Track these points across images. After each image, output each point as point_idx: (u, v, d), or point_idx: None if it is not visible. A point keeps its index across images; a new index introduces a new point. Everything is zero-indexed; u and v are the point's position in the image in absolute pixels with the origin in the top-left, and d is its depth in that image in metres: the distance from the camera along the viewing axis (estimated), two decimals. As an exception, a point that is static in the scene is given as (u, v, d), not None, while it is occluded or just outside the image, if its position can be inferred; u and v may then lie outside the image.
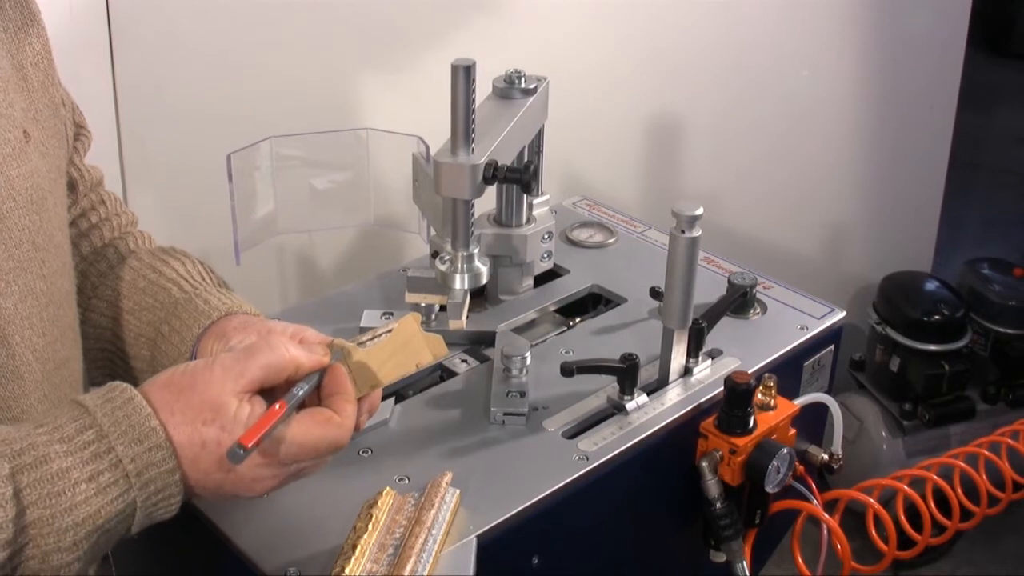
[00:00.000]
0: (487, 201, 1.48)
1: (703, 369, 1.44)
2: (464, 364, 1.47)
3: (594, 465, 1.28)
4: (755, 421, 1.35)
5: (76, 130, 1.28)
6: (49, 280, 1.12)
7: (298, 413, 1.01)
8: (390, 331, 1.08)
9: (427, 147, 1.55)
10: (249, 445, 0.95)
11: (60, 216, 1.18)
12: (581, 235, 1.77)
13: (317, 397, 1.05)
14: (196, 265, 1.30)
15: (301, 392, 1.01)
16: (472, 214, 1.35)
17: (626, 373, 1.36)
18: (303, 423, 1.00)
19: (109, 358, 1.30)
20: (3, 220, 1.06)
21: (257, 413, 0.98)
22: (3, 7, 1.13)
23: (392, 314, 1.52)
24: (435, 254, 1.50)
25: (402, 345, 1.07)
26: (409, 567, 1.08)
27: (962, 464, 1.79)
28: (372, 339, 1.08)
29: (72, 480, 0.92)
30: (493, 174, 1.31)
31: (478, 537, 1.17)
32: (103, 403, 0.96)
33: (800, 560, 1.53)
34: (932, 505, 1.68)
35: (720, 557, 1.42)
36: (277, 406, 0.98)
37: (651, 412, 1.37)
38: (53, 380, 1.12)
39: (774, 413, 1.38)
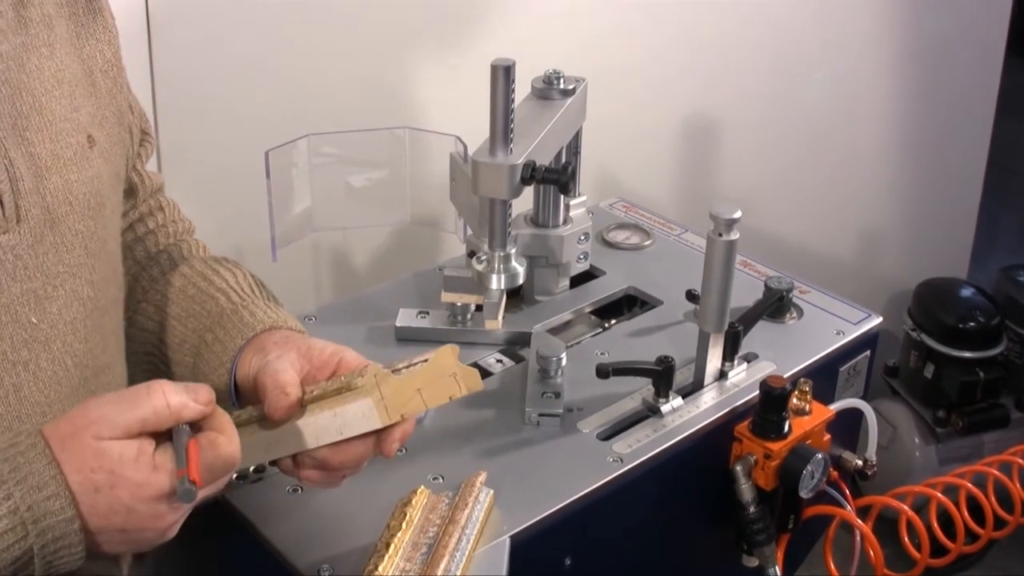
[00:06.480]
0: (524, 201, 1.48)
1: (738, 373, 1.44)
2: (499, 364, 1.47)
3: (628, 467, 1.28)
4: (790, 426, 1.34)
5: (141, 136, 1.29)
6: (97, 287, 1.12)
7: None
8: (426, 360, 1.07)
9: (465, 146, 1.55)
10: (200, 482, 0.92)
11: (115, 223, 1.19)
12: (617, 237, 1.77)
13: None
14: (247, 277, 1.30)
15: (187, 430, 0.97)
16: (509, 214, 1.35)
17: (661, 375, 1.35)
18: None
19: (152, 362, 1.31)
20: (58, 224, 1.06)
21: (146, 449, 0.94)
22: (76, 13, 1.14)
23: (427, 313, 1.52)
24: (472, 254, 1.50)
25: (436, 376, 1.05)
26: (442, 566, 1.08)
27: (996, 472, 1.77)
28: (408, 367, 1.06)
29: None
30: (531, 174, 1.31)
31: (511, 537, 1.17)
32: (7, 447, 0.94)
33: (832, 566, 1.52)
34: (965, 513, 1.67)
35: (752, 562, 1.41)
36: (189, 442, 0.95)
37: (686, 415, 1.37)
38: (91, 386, 1.13)
39: (809, 418, 1.37)
